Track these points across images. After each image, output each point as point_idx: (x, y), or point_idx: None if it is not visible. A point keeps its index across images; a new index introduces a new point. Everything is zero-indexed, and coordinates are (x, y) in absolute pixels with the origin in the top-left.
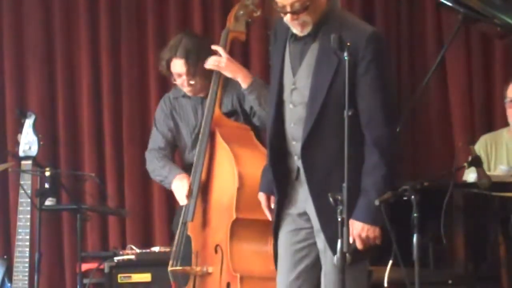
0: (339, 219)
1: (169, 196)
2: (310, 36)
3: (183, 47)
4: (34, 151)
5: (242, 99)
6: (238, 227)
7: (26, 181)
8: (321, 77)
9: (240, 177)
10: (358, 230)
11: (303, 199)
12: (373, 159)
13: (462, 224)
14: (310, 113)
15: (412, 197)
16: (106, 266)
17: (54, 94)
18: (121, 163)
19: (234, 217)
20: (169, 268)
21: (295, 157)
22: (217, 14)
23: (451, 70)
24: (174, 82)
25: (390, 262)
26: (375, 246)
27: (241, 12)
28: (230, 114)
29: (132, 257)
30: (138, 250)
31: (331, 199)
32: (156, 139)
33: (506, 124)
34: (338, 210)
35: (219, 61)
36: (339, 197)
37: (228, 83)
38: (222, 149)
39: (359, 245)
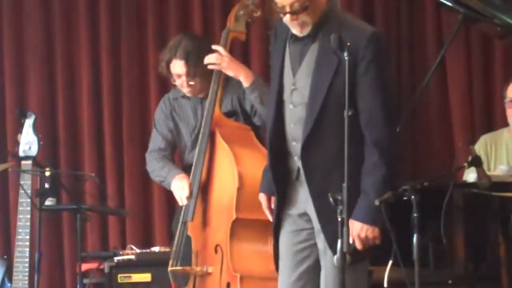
0: (339, 219)
1: (169, 196)
2: (310, 36)
3: (183, 48)
4: (34, 151)
5: (242, 99)
6: (238, 227)
7: (26, 181)
8: (321, 77)
9: (240, 177)
10: (358, 230)
11: (303, 200)
12: (373, 159)
13: (462, 224)
14: (310, 113)
15: (412, 197)
16: (106, 266)
17: (54, 94)
18: (121, 163)
19: (234, 217)
20: (169, 268)
21: (295, 158)
22: (217, 14)
23: (451, 70)
24: (174, 83)
25: (390, 262)
26: (375, 246)
27: (241, 12)
28: (229, 115)
29: (132, 257)
30: (138, 250)
31: (331, 199)
32: (156, 140)
33: (506, 124)
34: (338, 210)
35: (221, 59)
36: (339, 197)
37: (227, 84)
38: (222, 149)
39: (358, 246)
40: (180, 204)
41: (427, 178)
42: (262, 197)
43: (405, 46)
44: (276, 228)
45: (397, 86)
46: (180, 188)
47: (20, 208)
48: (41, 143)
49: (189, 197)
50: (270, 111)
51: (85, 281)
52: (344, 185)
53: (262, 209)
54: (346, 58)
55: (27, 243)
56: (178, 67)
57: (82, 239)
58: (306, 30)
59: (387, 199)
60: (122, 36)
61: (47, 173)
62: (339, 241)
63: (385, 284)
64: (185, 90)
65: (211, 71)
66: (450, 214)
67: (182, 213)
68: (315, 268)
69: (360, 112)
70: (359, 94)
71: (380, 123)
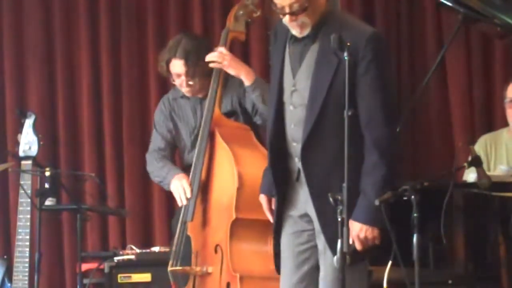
0: (339, 219)
1: (169, 196)
2: (310, 37)
3: (183, 47)
4: (34, 151)
5: (243, 99)
6: (238, 227)
7: (26, 181)
8: (321, 77)
9: (240, 177)
10: (357, 231)
11: (303, 201)
12: (373, 159)
13: (462, 224)
14: (310, 114)
15: (412, 197)
16: (106, 266)
17: (54, 94)
18: (121, 163)
19: (234, 217)
20: (169, 268)
21: (296, 159)
22: (217, 14)
23: (451, 70)
24: (173, 83)
25: (390, 263)
26: (375, 247)
27: (241, 12)
28: (229, 115)
29: (132, 257)
30: (138, 250)
31: (331, 199)
32: (156, 141)
33: (506, 124)
34: (338, 210)
35: (222, 58)
36: (339, 197)
37: (227, 83)
38: (222, 149)
39: (358, 246)
40: (180, 204)
41: (427, 178)
42: (263, 199)
43: (405, 46)
44: (276, 230)
45: (397, 86)
46: (180, 187)
47: (20, 208)
48: (41, 143)
49: (189, 194)
50: (271, 112)
51: (85, 281)
52: (344, 185)
53: (261, 209)
54: (346, 58)
55: (27, 243)
56: (177, 66)
57: (82, 239)
58: (306, 31)
59: (387, 199)
60: (122, 36)
61: (47, 173)
62: (339, 241)
63: (385, 285)
64: (185, 90)
65: (211, 71)
66: (450, 214)
67: (181, 213)
68: (317, 269)
69: (360, 112)
70: (359, 94)
71: (380, 123)
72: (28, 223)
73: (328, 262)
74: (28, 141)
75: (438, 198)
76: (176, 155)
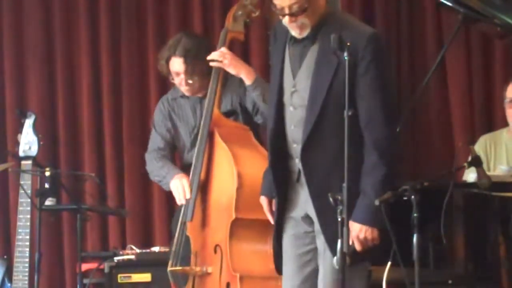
0: (339, 219)
1: (169, 196)
2: (309, 38)
3: (182, 46)
4: (34, 151)
5: (243, 98)
6: (237, 227)
7: (26, 181)
8: (320, 78)
9: (239, 177)
10: (357, 232)
11: (303, 201)
12: (373, 159)
13: (462, 224)
14: (310, 114)
15: (412, 197)
16: (106, 266)
17: (54, 94)
18: (121, 163)
19: (234, 217)
20: (169, 268)
21: (296, 160)
22: (217, 14)
23: (451, 70)
24: (172, 81)
25: (389, 264)
26: (375, 247)
27: (240, 12)
28: (229, 114)
29: (132, 257)
30: (138, 250)
31: (331, 199)
32: (155, 141)
33: (506, 124)
34: (338, 210)
35: (223, 57)
36: (339, 197)
37: (226, 82)
38: (221, 149)
39: (357, 247)
40: (178, 203)
41: (427, 178)
42: (263, 200)
43: (405, 46)
44: (277, 231)
45: (397, 86)
46: (180, 186)
47: (20, 208)
48: (41, 143)
49: (188, 195)
50: (271, 114)
51: (85, 281)
52: (344, 185)
53: (261, 208)
54: (346, 58)
55: (27, 243)
56: (177, 64)
57: (82, 239)
58: (305, 32)
59: (387, 199)
60: (122, 36)
61: (47, 173)
62: (339, 242)
63: (384, 285)
64: (184, 89)
65: (210, 70)
66: (450, 214)
67: (181, 213)
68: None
69: (360, 112)
70: (359, 94)
71: (380, 123)
72: (28, 223)
73: (328, 263)
74: (28, 141)
75: (438, 198)
76: (176, 156)
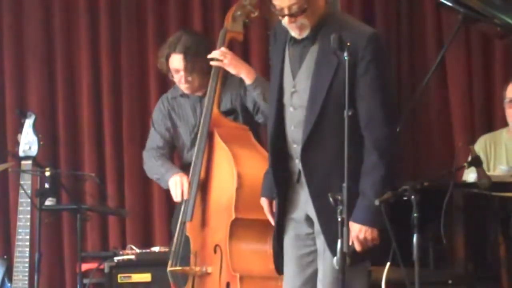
0: (339, 220)
1: (169, 196)
2: (309, 38)
3: (182, 43)
4: (34, 151)
5: (243, 97)
6: (237, 227)
7: (26, 181)
8: (320, 78)
9: (239, 177)
10: (356, 232)
11: (304, 202)
12: (372, 159)
13: (462, 224)
14: (310, 114)
15: (412, 197)
16: (106, 266)
17: (54, 94)
18: (121, 163)
19: (234, 217)
20: (168, 269)
21: (296, 160)
22: (217, 14)
23: (451, 70)
24: (172, 79)
25: (388, 264)
26: (375, 247)
27: (239, 13)
28: (228, 113)
29: (132, 257)
30: (138, 250)
31: (331, 199)
32: (154, 139)
33: (506, 124)
34: (338, 210)
35: (223, 56)
36: (339, 197)
37: (226, 81)
38: (221, 149)
39: (357, 247)
40: (175, 199)
41: (427, 178)
42: (264, 202)
43: (405, 46)
44: (278, 232)
45: (397, 86)
46: (179, 183)
47: (20, 208)
48: (41, 143)
49: (187, 195)
50: (271, 114)
51: (85, 281)
52: (344, 185)
53: (261, 209)
54: (346, 58)
55: (27, 243)
56: (176, 61)
57: (82, 239)
58: (305, 33)
59: (387, 199)
60: (122, 36)
61: (47, 173)
62: (339, 241)
63: (383, 285)
64: (183, 87)
65: (210, 68)
66: (450, 214)
67: (181, 213)
68: None
69: (360, 112)
70: (358, 94)
71: (379, 123)
72: (28, 223)
73: (327, 263)
74: (28, 141)
75: (438, 198)
76: (174, 155)
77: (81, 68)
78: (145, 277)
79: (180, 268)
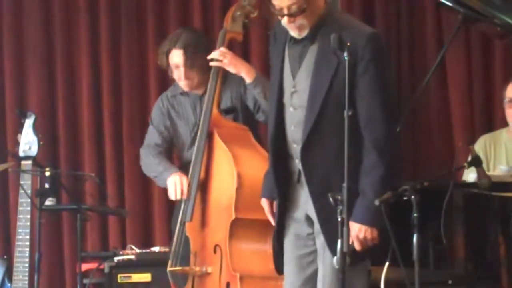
0: (339, 219)
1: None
2: (309, 38)
3: (183, 39)
4: (34, 151)
5: (244, 96)
6: (237, 227)
7: (26, 181)
8: (320, 77)
9: (239, 178)
10: (356, 231)
11: (304, 201)
12: (372, 159)
13: (462, 224)
14: (310, 113)
15: (412, 197)
16: (106, 266)
17: (54, 94)
18: (121, 163)
19: (234, 217)
20: (168, 268)
21: (296, 160)
22: (217, 14)
23: (451, 70)
24: (171, 75)
25: (387, 264)
26: (376, 246)
27: (238, 13)
28: (229, 111)
29: (132, 257)
30: (138, 250)
31: (331, 199)
32: (152, 136)
33: (506, 124)
34: (338, 210)
35: (223, 56)
36: (339, 197)
37: (226, 79)
38: (221, 150)
39: (357, 247)
40: (171, 198)
41: (427, 178)
42: (264, 202)
43: (405, 46)
44: (278, 231)
45: (397, 86)
46: (178, 183)
47: (20, 208)
48: (41, 143)
49: (186, 196)
50: (271, 114)
51: (85, 281)
52: (344, 185)
53: (261, 209)
54: (346, 58)
55: (27, 243)
56: (176, 56)
57: (82, 239)
58: (304, 33)
59: (387, 199)
60: (122, 36)
61: (47, 173)
62: (338, 241)
63: (382, 285)
64: (182, 84)
65: (209, 66)
66: (450, 214)
67: (180, 213)
68: None
69: (360, 112)
70: (358, 94)
71: (379, 123)
72: (28, 223)
73: (327, 263)
74: (28, 141)
75: (438, 198)
76: (173, 155)
77: (81, 68)
78: (145, 277)
79: (180, 268)
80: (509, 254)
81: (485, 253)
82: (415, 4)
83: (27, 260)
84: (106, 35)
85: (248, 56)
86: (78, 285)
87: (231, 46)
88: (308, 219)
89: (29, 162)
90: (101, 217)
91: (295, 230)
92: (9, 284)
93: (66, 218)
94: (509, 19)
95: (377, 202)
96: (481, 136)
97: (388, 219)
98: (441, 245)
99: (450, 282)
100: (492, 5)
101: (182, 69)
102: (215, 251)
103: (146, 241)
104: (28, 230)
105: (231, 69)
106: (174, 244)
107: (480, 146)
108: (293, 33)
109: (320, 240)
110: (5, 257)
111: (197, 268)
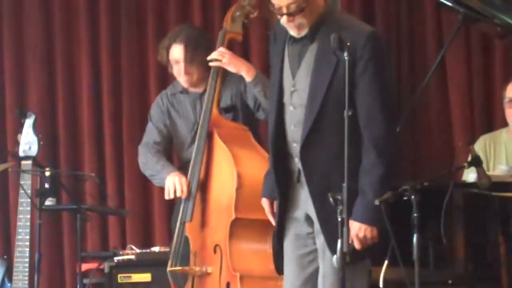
0: (339, 219)
1: None
2: (308, 37)
3: (184, 34)
4: (34, 151)
5: (244, 94)
6: (237, 227)
7: (26, 181)
8: (320, 76)
9: (239, 178)
10: (356, 230)
11: (304, 201)
12: (371, 158)
13: (462, 224)
14: (309, 112)
15: (412, 197)
16: (106, 266)
17: (54, 94)
18: (121, 163)
19: (234, 217)
20: (168, 268)
21: (296, 159)
22: (217, 14)
23: (451, 70)
24: (171, 71)
25: (386, 263)
26: (376, 246)
27: (238, 13)
28: (229, 109)
29: (132, 257)
30: (138, 250)
31: (331, 199)
32: (151, 134)
33: (506, 124)
34: (338, 210)
35: (222, 56)
36: (339, 197)
37: (226, 78)
38: (221, 150)
39: (357, 246)
40: (166, 197)
41: (427, 178)
42: (265, 202)
43: (405, 46)
44: (279, 231)
45: (397, 86)
46: (178, 184)
47: (20, 208)
48: (41, 143)
49: (186, 196)
50: (271, 114)
51: (85, 281)
52: (344, 185)
53: (261, 208)
54: (346, 58)
55: (27, 243)
56: (177, 51)
57: (82, 239)
58: (303, 32)
59: (387, 199)
60: (122, 36)
61: (47, 173)
62: (338, 241)
63: (381, 285)
64: (182, 80)
65: (210, 62)
66: (450, 214)
67: (180, 213)
68: None
69: (359, 111)
70: (358, 94)
71: (378, 122)
72: (28, 223)
73: (328, 262)
74: (28, 141)
75: (438, 198)
76: (172, 155)
77: (81, 68)
78: (145, 277)
79: (180, 268)
80: (509, 254)
81: (485, 253)
82: (415, 4)
83: (27, 260)
84: (106, 35)
85: (248, 56)
86: (78, 285)
87: (231, 46)
88: (308, 219)
89: (29, 162)
90: (101, 217)
91: (295, 229)
92: (9, 284)
93: (66, 218)
94: (509, 19)
95: (377, 202)
96: (481, 136)
97: (388, 219)
98: (441, 245)
99: (450, 282)
100: (492, 5)
101: (182, 64)
102: (215, 251)
103: (146, 241)
104: (28, 230)
105: (231, 69)
106: (174, 244)
107: (480, 146)
108: (293, 32)
109: (320, 240)
110: (5, 257)
111: (197, 268)
